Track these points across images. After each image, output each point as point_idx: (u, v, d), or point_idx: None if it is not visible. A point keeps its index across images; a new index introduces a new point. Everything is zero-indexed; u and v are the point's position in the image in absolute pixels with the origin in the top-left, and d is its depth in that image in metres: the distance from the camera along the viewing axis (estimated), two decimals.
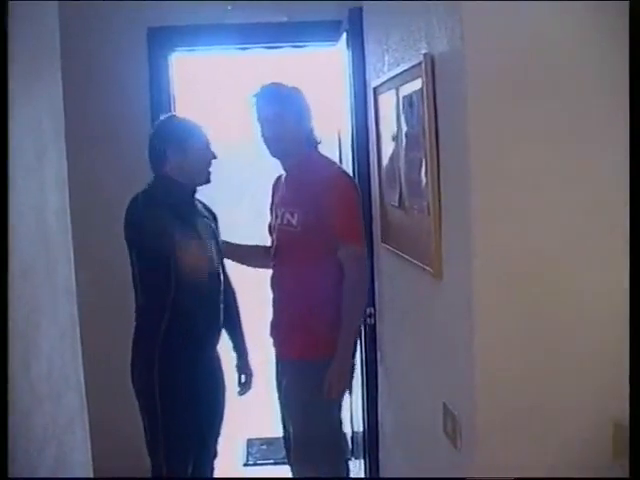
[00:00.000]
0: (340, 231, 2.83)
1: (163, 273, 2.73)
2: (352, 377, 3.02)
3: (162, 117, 3.01)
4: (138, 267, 2.80)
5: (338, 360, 2.79)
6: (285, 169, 3.07)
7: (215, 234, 3.03)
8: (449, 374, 2.09)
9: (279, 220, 3.01)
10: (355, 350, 2.95)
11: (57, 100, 3.58)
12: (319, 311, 2.87)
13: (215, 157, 2.92)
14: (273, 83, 3.00)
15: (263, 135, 2.97)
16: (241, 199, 16.11)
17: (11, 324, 2.62)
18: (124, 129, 3.60)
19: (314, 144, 3.02)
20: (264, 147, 3.00)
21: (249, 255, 3.26)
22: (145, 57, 3.97)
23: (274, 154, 3.00)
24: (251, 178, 16.24)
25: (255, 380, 3.21)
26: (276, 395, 3.11)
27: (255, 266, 3.22)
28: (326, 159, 3.08)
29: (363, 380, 3.42)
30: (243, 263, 3.25)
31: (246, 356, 3.20)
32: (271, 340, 3.10)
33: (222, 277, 2.99)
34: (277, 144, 2.94)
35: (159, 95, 3.95)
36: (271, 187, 3.23)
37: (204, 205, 3.09)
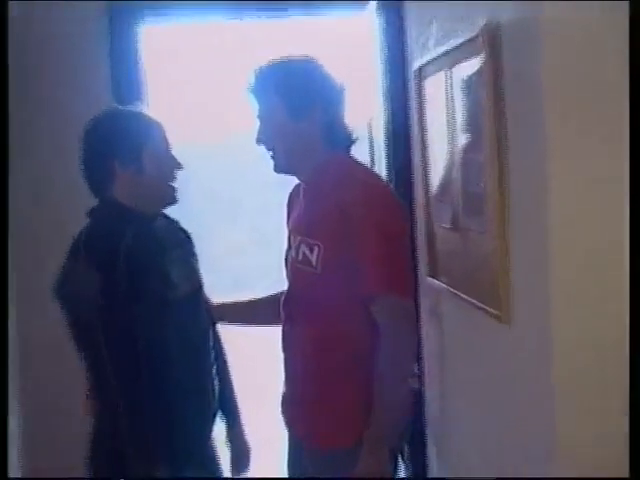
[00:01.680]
0: (375, 276, 2.70)
1: (128, 344, 2.69)
2: (395, 467, 2.96)
3: (103, 111, 2.90)
4: (89, 338, 2.71)
5: (369, 448, 2.70)
6: (302, 181, 3.00)
7: (193, 268, 3.02)
8: (521, 445, 2.15)
9: (294, 253, 2.91)
10: (394, 432, 2.92)
11: None
12: (348, 383, 2.82)
13: (180, 167, 2.88)
14: (278, 59, 2.88)
15: (260, 141, 2.88)
16: (235, 216, 16.22)
17: None
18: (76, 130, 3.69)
19: (346, 144, 2.97)
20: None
21: (255, 314, 3.25)
22: (106, 30, 4.04)
23: (280, 169, 2.89)
24: (249, 186, 16.38)
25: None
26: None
27: (266, 324, 3.20)
28: (361, 168, 3.00)
29: (408, 466, 3.45)
30: (249, 324, 3.28)
31: (239, 425, 3.18)
32: (283, 419, 3.07)
33: (208, 327, 3.01)
34: (284, 156, 2.84)
35: (124, 80, 4.02)
36: (286, 201, 3.16)
37: (171, 222, 3.08)
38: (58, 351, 3.00)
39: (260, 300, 3.22)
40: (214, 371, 2.98)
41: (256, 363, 6.42)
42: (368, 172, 2.96)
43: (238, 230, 16.01)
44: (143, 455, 2.68)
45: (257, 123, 2.89)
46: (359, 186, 2.76)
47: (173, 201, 2.84)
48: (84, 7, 3.96)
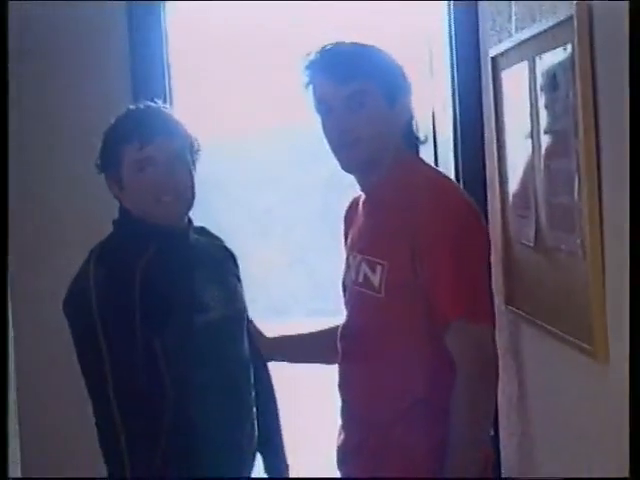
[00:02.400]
0: (451, 299, 2.67)
1: (148, 375, 2.71)
2: None
3: (122, 113, 3.00)
4: (96, 366, 2.73)
5: None
6: (364, 188, 2.99)
7: (234, 290, 3.04)
8: None
9: (353, 275, 2.90)
10: None
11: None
12: (417, 431, 2.79)
13: (191, 180, 2.89)
14: (342, 43, 2.85)
15: (327, 134, 2.84)
16: (267, 229, 16.29)
17: None
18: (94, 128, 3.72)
19: (413, 145, 2.95)
20: (330, 153, 2.92)
21: (310, 350, 3.22)
22: (122, 8, 4.09)
23: (347, 166, 2.85)
24: (284, 193, 16.42)
25: None
26: None
27: (322, 362, 3.17)
28: (435, 174, 3.00)
29: None
30: (303, 362, 3.28)
31: (282, 462, 3.21)
32: (339, 472, 3.05)
33: (248, 357, 3.02)
34: (353, 149, 2.79)
35: (144, 65, 4.05)
36: (343, 218, 3.15)
37: (212, 239, 3.10)
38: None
39: (315, 334, 3.22)
40: (255, 410, 2.99)
41: (307, 405, 6.42)
42: (444, 181, 2.93)
43: (270, 245, 16.07)
44: None
45: (331, 112, 2.87)
46: (434, 198, 2.73)
47: (187, 209, 2.87)
48: None
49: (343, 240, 3.08)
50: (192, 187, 2.88)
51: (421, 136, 2.90)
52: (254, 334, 3.11)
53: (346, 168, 2.84)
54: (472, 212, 2.79)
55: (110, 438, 2.71)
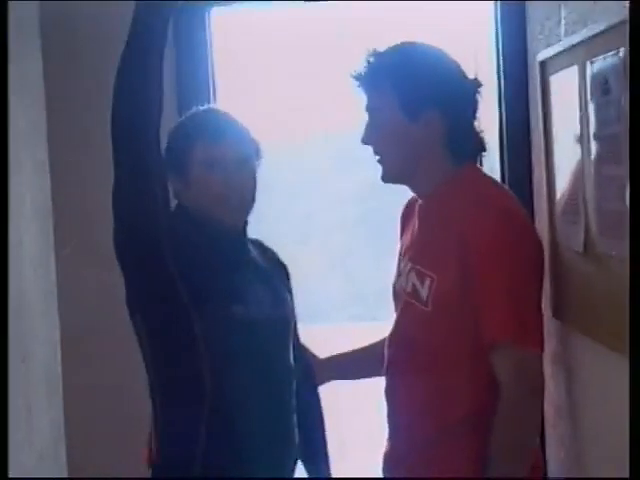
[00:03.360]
0: (499, 320, 2.63)
1: (188, 357, 2.79)
2: None
3: (186, 115, 3.06)
4: (154, 352, 2.87)
5: None
6: (417, 195, 2.96)
7: (282, 296, 3.05)
8: None
9: (403, 282, 2.89)
10: None
11: (36, 88, 3.75)
12: (459, 447, 2.77)
13: (254, 184, 2.91)
14: (380, 51, 2.82)
15: (366, 141, 2.84)
16: (309, 234, 16.30)
17: None
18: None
19: (466, 155, 2.92)
20: (368, 159, 2.86)
21: (364, 365, 3.18)
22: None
23: (390, 178, 2.85)
24: (324, 199, 16.43)
25: None
26: None
27: (379, 375, 3.11)
28: (493, 187, 2.92)
29: None
30: (361, 378, 3.25)
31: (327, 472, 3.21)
32: None
33: (293, 365, 3.02)
34: (395, 163, 2.80)
35: (190, 71, 4.08)
36: (400, 217, 3.13)
37: (266, 250, 3.13)
38: None
39: (366, 349, 3.20)
40: (295, 417, 2.98)
41: (356, 412, 6.40)
42: (501, 193, 2.89)
43: (309, 250, 16.08)
44: None
45: (365, 118, 2.87)
46: (488, 211, 2.70)
47: (246, 212, 2.89)
48: None
49: (399, 238, 3.06)
50: (254, 191, 2.90)
51: (485, 145, 2.87)
52: (308, 357, 3.11)
53: (382, 179, 2.85)
54: (527, 228, 2.75)
55: (157, 408, 2.78)
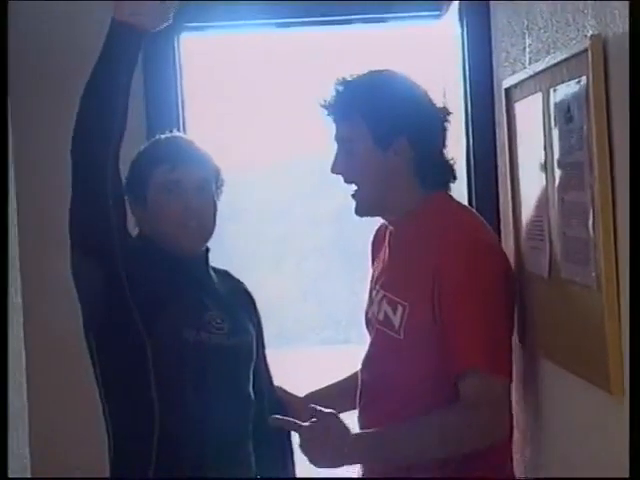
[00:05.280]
0: (466, 347, 2.63)
1: (139, 386, 2.78)
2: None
3: (152, 139, 3.05)
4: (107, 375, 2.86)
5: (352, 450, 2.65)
6: (390, 221, 2.95)
7: (241, 323, 3.04)
8: None
9: (375, 310, 2.89)
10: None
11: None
12: (433, 467, 2.77)
13: (214, 208, 2.91)
14: (348, 80, 2.81)
15: (337, 171, 2.83)
16: (280, 261, 16.30)
17: None
18: None
19: (436, 182, 2.91)
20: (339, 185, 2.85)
21: (341, 399, 3.09)
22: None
23: (364, 211, 2.85)
24: (296, 229, 16.45)
25: None
26: None
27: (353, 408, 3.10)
28: (464, 215, 2.92)
29: None
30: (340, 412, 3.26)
31: None
32: None
33: (252, 396, 3.00)
34: (369, 195, 2.79)
35: (160, 98, 4.07)
36: (370, 243, 3.13)
37: (233, 281, 3.12)
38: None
39: (341, 383, 3.19)
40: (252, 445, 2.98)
41: None
42: (472, 221, 2.90)
43: (283, 275, 16.07)
44: None
45: (334, 147, 2.86)
46: (458, 239, 2.71)
47: (205, 239, 2.89)
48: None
49: (370, 265, 3.07)
50: (215, 216, 2.92)
51: (454, 172, 2.88)
52: (284, 398, 3.11)
53: (356, 213, 2.85)
54: (497, 256, 2.77)
55: (110, 432, 2.78)
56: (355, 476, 3.01)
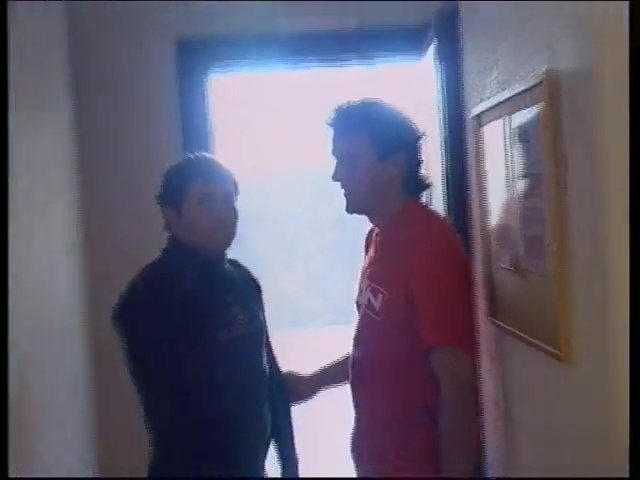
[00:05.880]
0: (433, 327, 2.68)
1: (177, 379, 2.75)
2: None
3: (181, 159, 3.08)
4: (138, 368, 2.80)
5: None
6: (374, 225, 2.97)
7: (255, 313, 3.04)
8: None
9: (362, 297, 2.93)
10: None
11: (66, 139, 3.75)
12: (410, 429, 2.76)
13: (231, 211, 2.92)
14: (356, 102, 2.85)
15: (338, 178, 2.84)
16: (291, 261, 16.27)
17: (22, 386, 2.75)
18: (151, 171, 3.77)
19: (416, 191, 2.93)
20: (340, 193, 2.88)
21: (339, 374, 3.18)
22: (174, 77, 4.12)
23: (349, 209, 2.86)
24: (305, 231, 16.44)
25: None
26: None
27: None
28: (431, 217, 2.94)
29: None
30: (339, 384, 3.24)
31: (296, 470, 3.20)
32: (351, 456, 3.03)
33: (267, 369, 3.01)
34: (351, 197, 2.82)
35: (193, 126, 4.10)
36: (364, 242, 3.14)
37: (241, 270, 3.12)
38: None
39: (338, 361, 3.22)
40: (268, 406, 2.99)
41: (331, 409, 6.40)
42: (440, 224, 2.95)
43: (293, 271, 16.05)
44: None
45: (335, 160, 2.87)
46: (426, 238, 2.76)
47: (228, 242, 2.90)
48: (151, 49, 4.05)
49: (363, 258, 3.09)
50: (236, 222, 2.93)
51: (430, 181, 2.90)
52: (292, 379, 3.12)
53: (346, 210, 2.86)
54: (456, 251, 2.80)
55: (152, 421, 2.74)
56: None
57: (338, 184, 2.91)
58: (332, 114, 2.85)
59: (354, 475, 3.07)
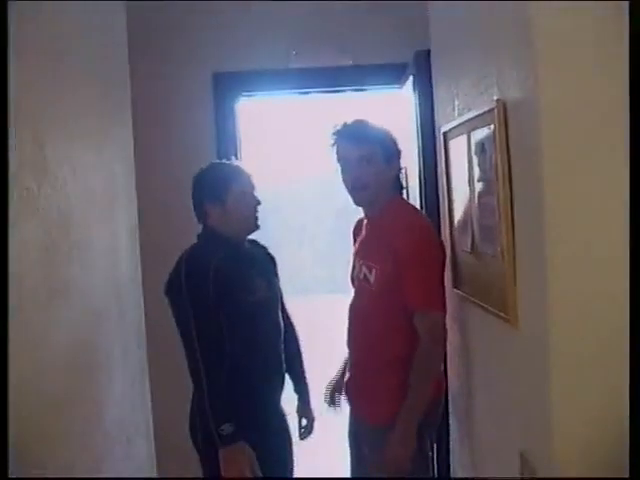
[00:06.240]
0: (416, 295, 2.64)
1: (215, 335, 2.73)
2: (425, 452, 2.81)
3: (203, 166, 3.01)
4: (186, 329, 2.75)
5: (399, 429, 2.62)
6: (367, 216, 2.95)
7: (272, 281, 3.05)
8: (525, 423, 2.11)
9: (357, 272, 2.91)
10: (417, 423, 2.69)
11: (128, 147, 3.75)
12: (393, 377, 2.76)
13: (259, 203, 2.92)
14: (358, 121, 2.82)
15: (344, 180, 2.79)
16: (302, 243, 16.26)
17: (85, 370, 2.74)
18: (191, 175, 3.77)
19: (399, 189, 2.94)
20: (344, 192, 2.85)
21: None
22: (211, 102, 4.12)
23: (358, 202, 2.82)
24: (312, 220, 16.44)
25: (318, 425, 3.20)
26: (342, 444, 3.08)
27: None
28: (411, 209, 2.92)
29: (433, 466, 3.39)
30: None
31: (308, 399, 3.19)
32: (346, 398, 3.03)
33: (282, 324, 3.02)
34: (362, 191, 2.76)
35: (226, 141, 4.10)
36: (352, 231, 3.11)
37: (260, 248, 3.13)
38: None
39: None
40: (284, 351, 2.99)
41: (332, 356, 6.44)
42: (417, 214, 2.97)
43: (303, 251, 16.04)
44: (218, 413, 2.69)
45: (339, 165, 2.83)
46: (410, 225, 2.75)
47: (255, 228, 2.91)
48: (193, 80, 4.03)
49: (352, 245, 3.08)
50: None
51: (404, 184, 2.92)
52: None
53: (357, 204, 2.85)
54: (433, 235, 2.79)
55: (195, 372, 2.72)
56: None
57: (335, 185, 2.90)
58: (341, 129, 2.81)
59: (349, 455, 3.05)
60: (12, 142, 2.17)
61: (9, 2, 1.81)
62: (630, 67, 1.72)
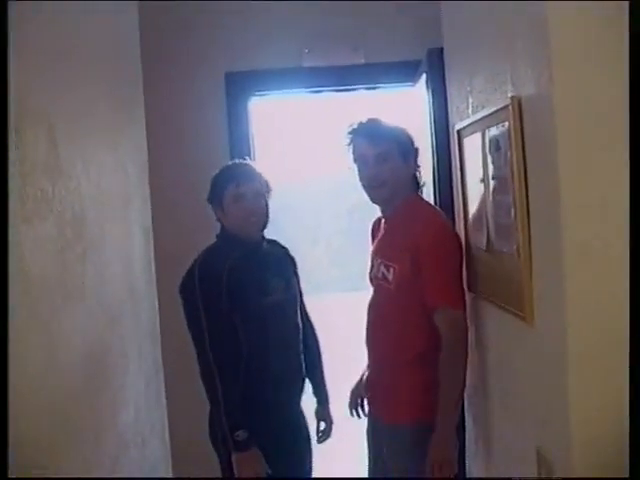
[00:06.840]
0: (436, 293, 2.63)
1: (228, 338, 2.73)
2: (461, 452, 2.82)
3: (225, 165, 3.02)
4: (197, 331, 2.73)
5: (440, 432, 2.62)
6: (384, 215, 2.95)
7: (290, 282, 3.03)
8: (542, 420, 2.10)
9: (376, 271, 2.89)
10: (457, 422, 2.72)
11: (141, 147, 3.77)
12: (412, 376, 2.75)
13: (267, 208, 2.90)
14: (373, 119, 2.80)
15: (361, 178, 2.78)
16: (316, 243, 16.29)
17: (100, 371, 2.75)
18: (205, 176, 3.77)
19: (416, 187, 2.93)
20: (353, 189, 2.87)
21: None
22: (223, 102, 4.13)
23: (375, 200, 2.81)
24: (326, 219, 16.46)
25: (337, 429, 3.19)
26: (361, 445, 3.07)
27: None
28: (429, 207, 2.90)
29: None
30: None
31: (327, 403, 3.17)
32: (365, 397, 3.02)
33: (300, 324, 3.01)
34: (379, 189, 2.75)
35: (238, 140, 4.10)
36: (370, 230, 3.10)
37: (280, 248, 3.11)
38: None
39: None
40: (303, 355, 2.98)
41: (347, 355, 6.44)
42: (435, 212, 2.94)
43: (318, 248, 16.05)
44: (233, 419, 2.69)
45: (355, 164, 2.83)
46: (428, 223, 2.74)
47: (264, 227, 2.90)
48: (205, 81, 4.03)
49: (370, 244, 3.07)
50: (267, 213, 2.92)
51: (423, 181, 2.90)
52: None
53: (374, 201, 2.85)
54: (451, 233, 2.78)
55: (208, 377, 2.71)
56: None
57: (349, 183, 2.89)
58: (357, 128, 2.80)
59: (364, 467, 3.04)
60: (27, 143, 2.17)
61: (8, 2, 1.80)
62: (630, 67, 1.72)
